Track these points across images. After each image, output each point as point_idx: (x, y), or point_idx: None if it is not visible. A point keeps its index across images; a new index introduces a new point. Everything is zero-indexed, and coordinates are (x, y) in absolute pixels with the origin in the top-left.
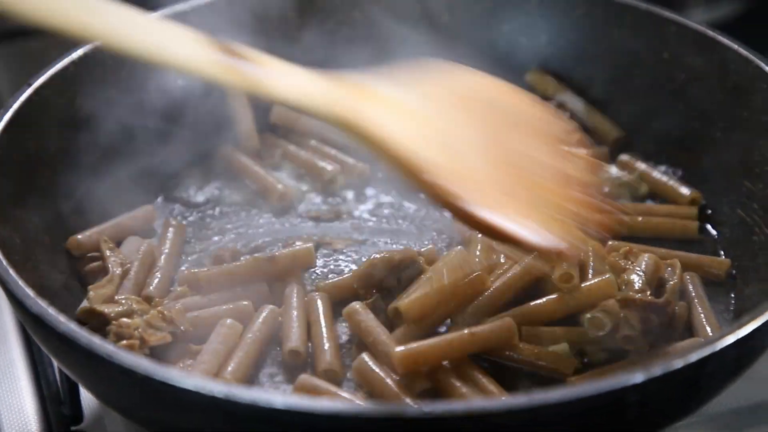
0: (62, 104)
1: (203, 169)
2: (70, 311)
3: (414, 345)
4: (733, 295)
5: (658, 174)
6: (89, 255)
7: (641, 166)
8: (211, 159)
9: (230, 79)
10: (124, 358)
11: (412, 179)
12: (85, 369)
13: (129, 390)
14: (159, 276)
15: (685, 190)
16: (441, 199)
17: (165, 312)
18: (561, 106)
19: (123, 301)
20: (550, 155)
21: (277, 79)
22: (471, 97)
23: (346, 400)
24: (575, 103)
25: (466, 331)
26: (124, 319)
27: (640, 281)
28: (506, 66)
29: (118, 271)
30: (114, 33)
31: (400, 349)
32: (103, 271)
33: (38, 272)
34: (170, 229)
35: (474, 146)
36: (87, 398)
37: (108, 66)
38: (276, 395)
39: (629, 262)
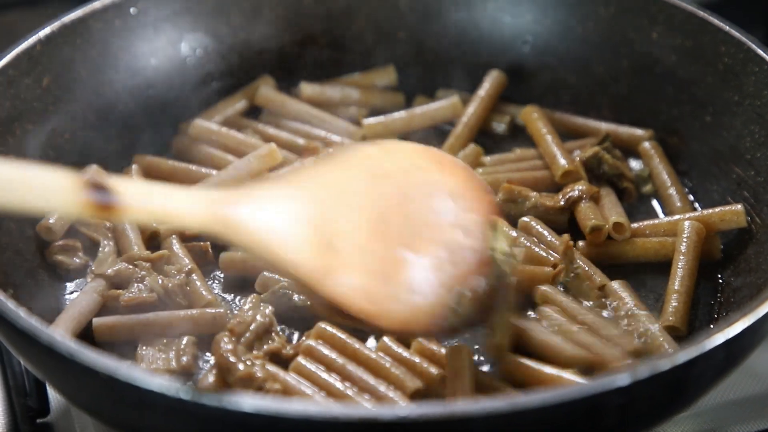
0: (28, 84)
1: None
2: (34, 301)
3: None
4: (722, 281)
5: (666, 177)
6: (57, 243)
7: (656, 163)
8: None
9: (99, 215)
10: (86, 357)
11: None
12: (47, 367)
13: (92, 389)
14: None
15: (679, 206)
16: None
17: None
18: None
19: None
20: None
21: (146, 203)
22: (378, 173)
23: (317, 404)
24: None
25: None
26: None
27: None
28: (489, 46)
29: (109, 243)
30: None
31: None
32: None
33: (2, 260)
34: (133, 177)
35: (361, 230)
36: (54, 390)
37: (77, 45)
38: (245, 398)
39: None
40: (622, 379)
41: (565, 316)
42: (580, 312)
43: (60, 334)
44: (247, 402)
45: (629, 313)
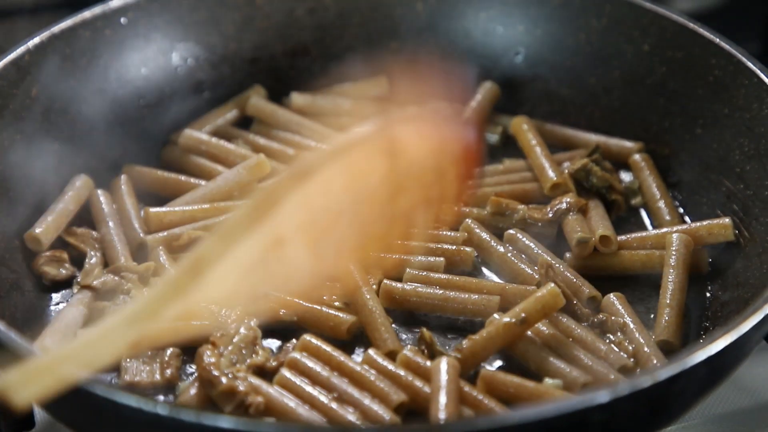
0: (17, 94)
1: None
2: (19, 312)
3: None
4: (710, 295)
5: (656, 190)
6: (44, 254)
7: (646, 175)
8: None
9: None
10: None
11: None
12: None
13: (72, 404)
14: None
15: (668, 218)
16: None
17: None
18: None
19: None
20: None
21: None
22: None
23: (296, 421)
24: None
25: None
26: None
27: None
28: (481, 56)
29: (96, 254)
30: None
31: None
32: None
33: None
34: (122, 187)
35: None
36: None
37: (66, 55)
38: (222, 416)
39: None
40: (603, 396)
41: (557, 331)
42: (571, 326)
43: (38, 348)
44: (225, 418)
45: (624, 326)
